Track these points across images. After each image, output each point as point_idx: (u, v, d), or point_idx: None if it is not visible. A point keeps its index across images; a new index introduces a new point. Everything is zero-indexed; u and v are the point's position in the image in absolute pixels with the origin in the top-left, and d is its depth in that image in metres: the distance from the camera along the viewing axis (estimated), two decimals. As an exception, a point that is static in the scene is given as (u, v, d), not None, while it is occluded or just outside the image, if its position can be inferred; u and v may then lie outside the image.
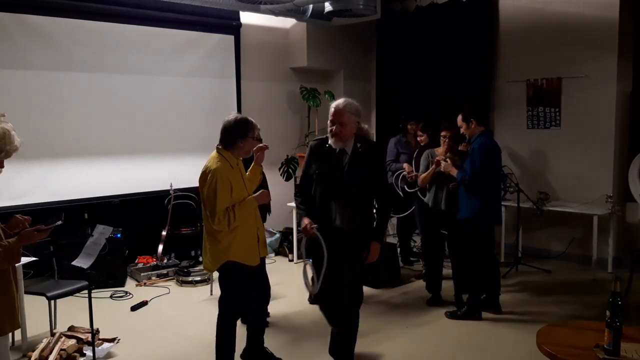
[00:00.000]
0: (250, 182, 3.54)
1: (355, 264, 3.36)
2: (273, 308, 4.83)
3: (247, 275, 3.39)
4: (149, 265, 5.86)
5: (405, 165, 5.65)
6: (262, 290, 3.75)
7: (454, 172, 4.46)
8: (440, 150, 4.76)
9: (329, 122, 3.28)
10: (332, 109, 3.25)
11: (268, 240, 6.78)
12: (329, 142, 3.28)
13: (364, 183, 3.24)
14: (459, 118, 4.51)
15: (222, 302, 3.45)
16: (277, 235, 6.92)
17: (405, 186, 5.53)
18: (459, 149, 4.66)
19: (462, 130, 4.53)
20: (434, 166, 4.64)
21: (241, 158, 3.44)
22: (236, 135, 3.30)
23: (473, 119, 4.44)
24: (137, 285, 5.55)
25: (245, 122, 3.33)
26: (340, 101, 3.25)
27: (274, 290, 5.24)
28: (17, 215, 2.57)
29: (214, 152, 3.37)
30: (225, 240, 3.29)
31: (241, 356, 3.74)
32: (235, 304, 3.45)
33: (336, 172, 3.27)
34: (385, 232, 3.54)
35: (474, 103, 5.90)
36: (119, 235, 5.60)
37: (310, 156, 3.41)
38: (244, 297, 3.48)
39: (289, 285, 5.45)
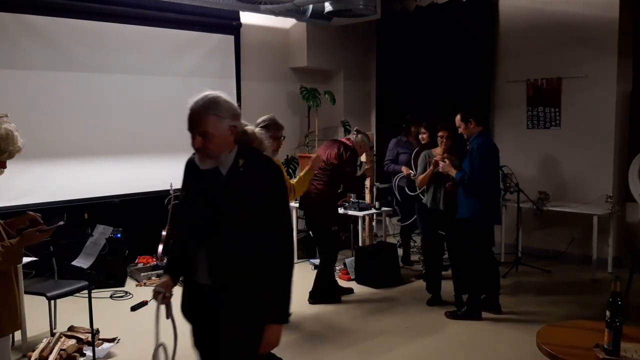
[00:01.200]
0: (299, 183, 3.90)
1: (228, 342, 2.17)
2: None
3: None
4: (149, 265, 5.86)
5: (403, 168, 5.64)
6: None
7: (453, 172, 4.46)
8: (437, 150, 4.76)
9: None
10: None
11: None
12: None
13: (243, 218, 2.12)
14: (458, 118, 4.51)
15: None
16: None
17: (406, 188, 5.55)
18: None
19: (460, 130, 4.53)
20: (432, 167, 4.64)
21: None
22: None
23: (472, 119, 4.45)
24: (137, 285, 5.55)
25: (267, 123, 3.58)
26: (198, 99, 2.11)
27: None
28: (29, 212, 2.57)
29: None
30: None
31: None
32: None
33: (204, 203, 2.19)
34: (288, 305, 2.20)
35: (473, 103, 5.91)
36: (119, 235, 5.60)
37: (184, 179, 2.32)
38: None
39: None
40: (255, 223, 2.12)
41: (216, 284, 2.15)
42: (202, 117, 2.08)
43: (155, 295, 2.24)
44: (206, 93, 2.14)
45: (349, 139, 5.13)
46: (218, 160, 2.14)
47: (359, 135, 5.11)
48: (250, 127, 2.28)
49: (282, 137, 3.67)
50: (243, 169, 2.15)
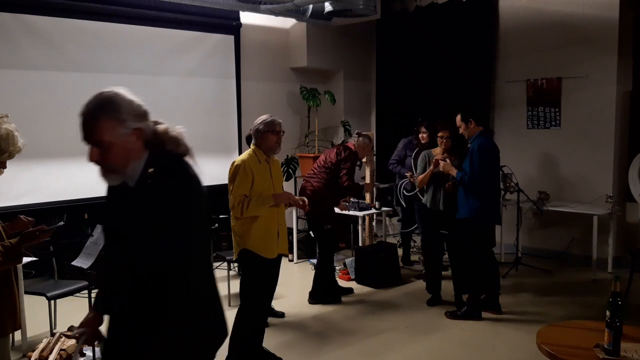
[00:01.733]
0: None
1: None
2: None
3: (262, 266, 3.56)
4: (149, 265, 5.84)
5: (408, 173, 5.61)
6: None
7: (454, 171, 4.46)
8: (437, 150, 4.76)
9: None
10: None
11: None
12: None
13: (146, 239, 1.70)
14: (458, 118, 4.51)
15: (242, 291, 3.66)
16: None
17: (404, 190, 5.55)
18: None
19: (460, 131, 4.53)
20: (432, 167, 4.64)
21: (273, 156, 3.71)
22: (256, 131, 3.64)
23: (472, 119, 4.45)
24: (137, 285, 5.54)
25: (261, 120, 3.68)
26: (89, 100, 1.75)
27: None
28: (21, 216, 2.58)
29: (249, 149, 3.73)
30: (241, 230, 3.55)
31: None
32: (254, 293, 3.59)
33: (112, 225, 1.88)
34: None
35: (473, 103, 5.87)
36: (119, 235, 5.60)
37: (106, 194, 1.93)
38: (263, 287, 3.63)
39: (288, 286, 5.45)
40: (157, 245, 1.65)
41: (120, 314, 1.78)
42: (95, 122, 1.69)
43: (78, 337, 1.88)
44: (100, 91, 1.74)
45: (352, 144, 5.13)
46: (124, 174, 1.74)
47: (360, 138, 5.11)
48: (162, 126, 1.81)
49: (282, 132, 3.70)
50: (151, 179, 1.72)
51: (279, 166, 3.85)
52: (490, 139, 4.62)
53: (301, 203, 3.77)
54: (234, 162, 3.62)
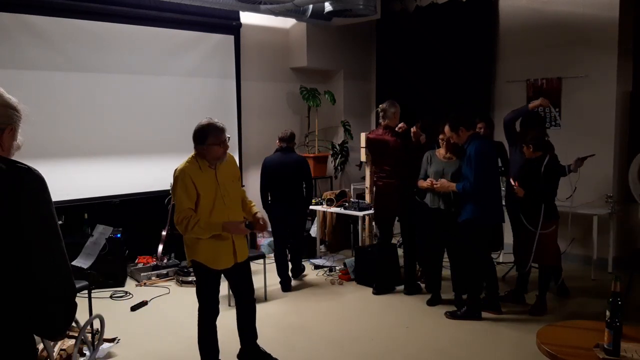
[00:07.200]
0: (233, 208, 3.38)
1: None
2: (269, 308, 4.85)
3: (211, 276, 3.36)
4: (149, 265, 5.86)
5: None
6: (244, 293, 3.60)
7: (453, 186, 4.44)
8: (441, 151, 4.77)
9: None
10: None
11: (265, 241, 6.77)
12: None
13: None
14: (447, 129, 4.48)
15: (197, 296, 3.48)
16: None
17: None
18: None
19: (452, 140, 4.50)
20: (430, 183, 4.64)
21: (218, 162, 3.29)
22: (196, 142, 3.21)
23: (461, 126, 4.41)
24: (137, 285, 5.55)
25: (202, 129, 3.20)
26: None
27: (270, 290, 5.25)
28: None
29: (190, 155, 3.31)
30: (189, 241, 3.32)
31: (237, 356, 3.74)
32: (204, 299, 3.42)
33: None
34: None
35: (473, 103, 5.84)
36: (119, 235, 5.60)
37: None
38: (211, 295, 3.43)
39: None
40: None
41: None
42: None
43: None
44: None
45: (385, 126, 5.10)
46: None
47: (389, 109, 5.13)
48: None
49: (228, 138, 3.35)
50: None
51: (233, 164, 3.46)
52: (485, 140, 4.55)
53: (261, 224, 3.41)
54: (174, 171, 3.24)
